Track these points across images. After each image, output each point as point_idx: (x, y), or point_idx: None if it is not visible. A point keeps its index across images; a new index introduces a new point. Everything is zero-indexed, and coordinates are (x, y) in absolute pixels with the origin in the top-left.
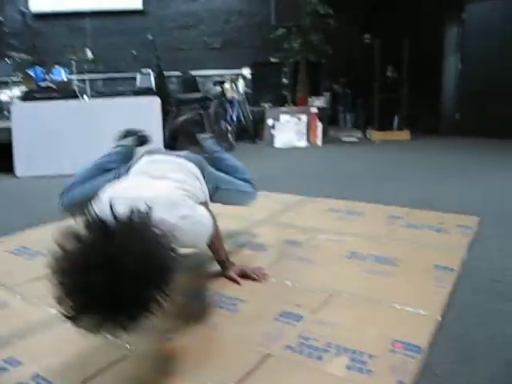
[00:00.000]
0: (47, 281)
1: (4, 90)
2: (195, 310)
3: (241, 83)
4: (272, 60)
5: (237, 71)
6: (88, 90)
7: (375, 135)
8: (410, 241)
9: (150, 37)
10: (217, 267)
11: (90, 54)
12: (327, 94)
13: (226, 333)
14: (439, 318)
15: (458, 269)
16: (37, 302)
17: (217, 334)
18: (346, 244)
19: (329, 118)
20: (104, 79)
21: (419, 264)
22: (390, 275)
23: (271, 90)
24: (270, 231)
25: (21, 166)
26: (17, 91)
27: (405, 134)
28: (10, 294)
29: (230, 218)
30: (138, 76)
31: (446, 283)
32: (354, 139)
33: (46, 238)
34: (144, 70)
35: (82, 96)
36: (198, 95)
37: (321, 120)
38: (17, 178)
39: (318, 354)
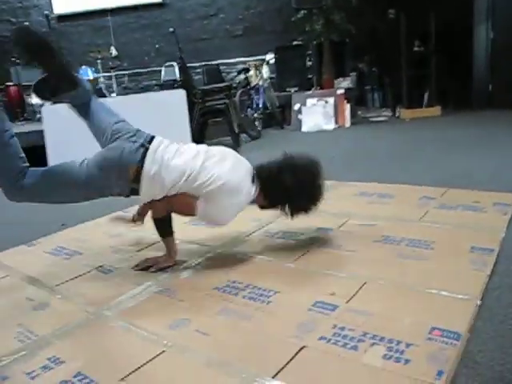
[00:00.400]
0: (85, 280)
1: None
2: (228, 304)
3: (265, 69)
4: (295, 43)
5: (260, 57)
6: (115, 86)
7: (405, 113)
8: (444, 222)
9: (171, 29)
10: (247, 259)
11: (114, 52)
12: (353, 74)
13: (261, 325)
14: (478, 303)
15: (496, 249)
16: (77, 301)
17: (252, 326)
18: (378, 228)
19: (356, 99)
20: (130, 75)
21: (455, 246)
22: (425, 259)
23: (296, 74)
24: (300, 218)
25: None
26: None
27: (436, 110)
28: (51, 294)
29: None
30: (163, 69)
31: (484, 265)
32: (383, 118)
33: (82, 238)
34: (168, 63)
35: (109, 94)
36: (222, 85)
37: (348, 101)
38: None
39: (353, 344)
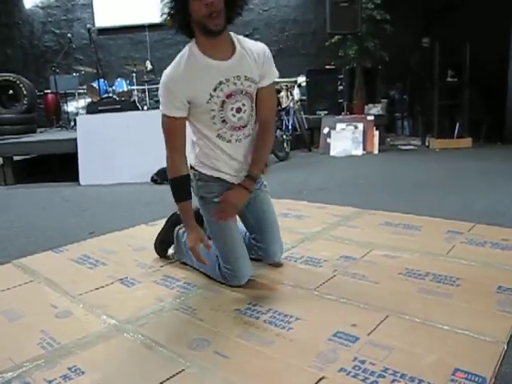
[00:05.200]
0: (108, 291)
1: (71, 102)
2: (249, 327)
3: (296, 91)
4: (327, 67)
5: (292, 79)
6: (147, 99)
7: (435, 143)
8: (471, 259)
9: None
10: (270, 283)
11: (149, 66)
12: (384, 101)
13: (281, 352)
14: (505, 347)
15: None
16: (98, 312)
17: (272, 352)
18: (402, 261)
19: (386, 126)
20: None
21: (482, 285)
22: (450, 296)
23: (327, 97)
24: (325, 245)
25: (84, 174)
26: (82, 102)
27: (466, 142)
28: (74, 302)
29: (284, 230)
30: None
31: (511, 307)
32: (412, 147)
33: (107, 249)
34: None
35: (142, 106)
36: None
37: (377, 128)
38: (80, 186)
39: (373, 379)
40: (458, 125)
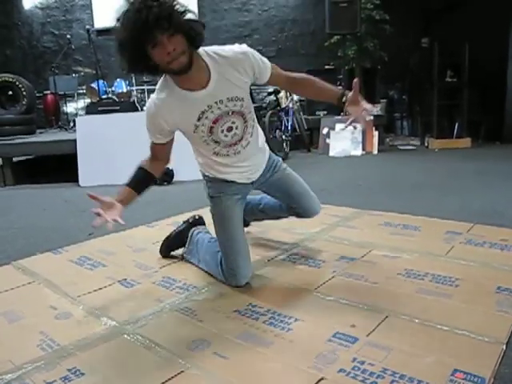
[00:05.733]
0: (107, 293)
1: (70, 103)
2: (248, 328)
3: None
4: (326, 67)
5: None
6: (146, 100)
7: (434, 143)
8: (470, 259)
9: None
10: (269, 283)
11: None
12: (383, 101)
13: (280, 353)
14: (504, 347)
15: None
16: (98, 313)
17: (271, 353)
18: (401, 261)
19: (385, 126)
20: None
21: (481, 285)
22: (449, 297)
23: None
24: (324, 246)
25: (84, 176)
26: (81, 103)
27: (465, 142)
28: (73, 304)
29: (284, 231)
30: None
31: (510, 307)
32: (411, 147)
33: (107, 250)
34: None
35: (142, 107)
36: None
37: (377, 128)
38: (80, 187)
39: (372, 380)
40: (457, 125)
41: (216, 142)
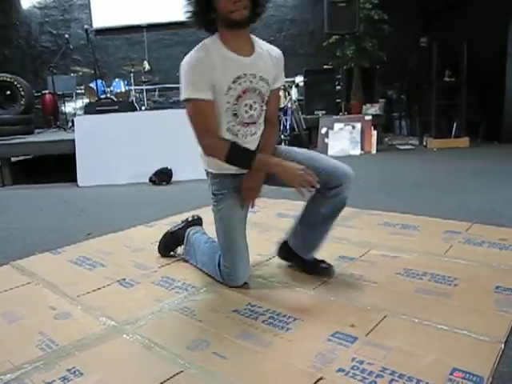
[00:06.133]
0: (106, 293)
1: (68, 103)
2: (247, 328)
3: (294, 91)
4: (325, 67)
5: (290, 79)
6: (145, 100)
7: (432, 142)
8: (469, 259)
9: None
10: (268, 283)
11: (147, 66)
12: (382, 101)
13: (280, 352)
14: (502, 346)
15: None
16: (97, 313)
17: (270, 353)
18: (400, 261)
19: (383, 125)
20: (160, 89)
21: (479, 285)
22: (448, 296)
23: (324, 97)
24: (324, 246)
25: (82, 175)
26: (80, 103)
27: (464, 142)
28: (72, 304)
29: (282, 231)
30: None
31: (509, 307)
32: (409, 147)
33: (105, 250)
34: None
35: (140, 107)
36: None
37: (375, 127)
38: (78, 187)
39: (372, 379)
40: (455, 125)
41: (234, 114)
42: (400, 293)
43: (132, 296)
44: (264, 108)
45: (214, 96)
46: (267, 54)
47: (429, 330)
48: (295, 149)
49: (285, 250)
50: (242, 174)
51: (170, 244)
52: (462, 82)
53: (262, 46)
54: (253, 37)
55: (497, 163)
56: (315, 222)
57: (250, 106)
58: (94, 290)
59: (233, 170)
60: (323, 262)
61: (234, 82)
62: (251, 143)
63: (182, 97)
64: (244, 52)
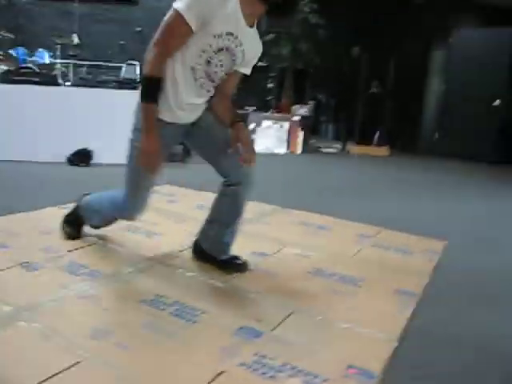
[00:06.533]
0: (6, 275)
1: None
2: (153, 319)
3: None
4: (259, 64)
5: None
6: (71, 76)
7: (354, 149)
8: (376, 262)
9: (138, 29)
10: (178, 274)
11: (76, 39)
12: (311, 103)
13: (183, 345)
14: (396, 344)
15: (419, 294)
16: None
17: (173, 345)
18: (312, 260)
19: (310, 127)
20: (89, 66)
21: (382, 286)
22: (353, 296)
23: (256, 94)
24: (238, 240)
25: None
26: None
27: (384, 150)
28: None
29: (199, 222)
30: (124, 66)
31: (405, 308)
32: (333, 150)
33: (11, 230)
34: (130, 62)
35: (64, 82)
36: None
37: (303, 129)
38: None
39: (272, 374)
40: (377, 133)
41: (208, 62)
42: (308, 291)
43: (35, 280)
44: (222, 79)
45: (200, 32)
46: (258, 40)
47: (331, 328)
48: (220, 128)
49: (198, 252)
50: (174, 124)
51: (73, 228)
52: (386, 93)
53: (256, 32)
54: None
55: (412, 173)
56: (220, 219)
57: (222, 65)
58: None
59: (175, 111)
60: (237, 258)
61: (226, 34)
62: (200, 101)
63: (175, 5)
64: (248, 22)
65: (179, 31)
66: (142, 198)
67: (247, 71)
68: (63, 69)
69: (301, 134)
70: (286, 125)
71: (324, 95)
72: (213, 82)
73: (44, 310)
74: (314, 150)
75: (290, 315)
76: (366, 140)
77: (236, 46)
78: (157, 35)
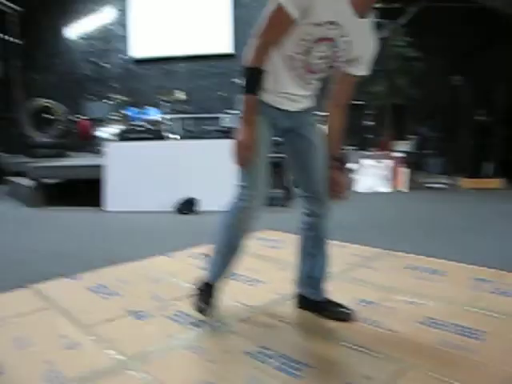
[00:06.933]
0: (120, 324)
1: (102, 128)
2: (258, 373)
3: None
4: (355, 102)
5: (322, 113)
6: (180, 129)
7: (465, 182)
8: (499, 311)
9: (236, 80)
10: (284, 326)
11: (182, 96)
12: (413, 138)
13: None
14: None
15: None
16: (107, 345)
17: None
18: (423, 308)
19: (414, 163)
20: (194, 118)
21: (509, 341)
22: (474, 351)
23: (354, 132)
24: (343, 287)
25: (111, 200)
26: (113, 129)
27: (498, 182)
28: (84, 333)
29: None
30: (225, 116)
31: None
32: (441, 186)
33: (123, 279)
34: (231, 111)
35: (173, 135)
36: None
37: (406, 165)
38: (106, 212)
39: None
40: (489, 165)
41: (307, 52)
42: (421, 344)
43: (144, 329)
44: (326, 74)
45: (300, 21)
46: (372, 32)
47: None
48: (322, 153)
49: (301, 301)
50: (275, 108)
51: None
52: (496, 121)
53: (368, 25)
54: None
55: None
56: (305, 255)
57: (322, 57)
58: (107, 320)
59: (278, 94)
60: (341, 306)
61: (328, 22)
62: (306, 92)
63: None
64: (358, 10)
65: (281, 22)
66: (256, 175)
67: (361, 71)
68: (171, 123)
69: (405, 171)
70: (389, 162)
71: (426, 128)
72: (313, 73)
73: (152, 359)
74: (420, 186)
75: (402, 372)
76: (476, 172)
77: (340, 37)
78: (258, 28)
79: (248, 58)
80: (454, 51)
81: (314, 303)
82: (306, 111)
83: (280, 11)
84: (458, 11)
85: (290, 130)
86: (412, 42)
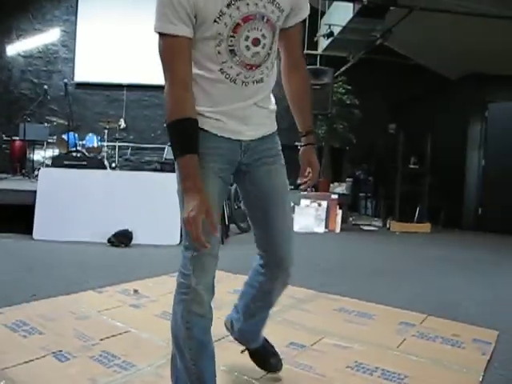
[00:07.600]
0: (38, 366)
1: (38, 151)
2: None
3: None
4: (296, 144)
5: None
6: (116, 157)
7: (395, 226)
8: (421, 355)
9: None
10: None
11: (123, 123)
12: (349, 181)
13: None
14: None
15: None
16: None
17: None
18: (352, 352)
19: (349, 205)
20: (134, 148)
21: None
22: None
23: (293, 173)
24: (274, 329)
25: (39, 228)
26: (50, 153)
27: (425, 227)
28: None
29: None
30: (167, 148)
31: None
32: (373, 228)
33: (47, 315)
34: None
35: (110, 164)
36: None
37: (341, 206)
38: (33, 240)
39: None
40: (418, 209)
41: (231, 51)
42: None
43: (65, 372)
44: (274, 46)
45: (198, 28)
46: None
47: None
48: (275, 189)
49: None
50: (222, 136)
51: None
52: (426, 169)
53: None
54: None
55: (456, 251)
56: (249, 308)
57: (256, 41)
58: (25, 362)
59: (218, 118)
60: (274, 354)
61: (228, 4)
62: (254, 96)
63: (154, 28)
64: None
65: (174, 49)
66: (202, 264)
67: (303, 13)
68: (109, 151)
69: (339, 212)
70: (325, 203)
71: (362, 172)
72: (258, 66)
73: None
74: (354, 227)
75: None
76: (406, 216)
77: (256, 5)
78: (163, 72)
79: (168, 112)
80: (389, 101)
81: (246, 348)
82: (265, 139)
83: (165, 40)
84: (395, 65)
85: (243, 170)
86: (351, 90)
